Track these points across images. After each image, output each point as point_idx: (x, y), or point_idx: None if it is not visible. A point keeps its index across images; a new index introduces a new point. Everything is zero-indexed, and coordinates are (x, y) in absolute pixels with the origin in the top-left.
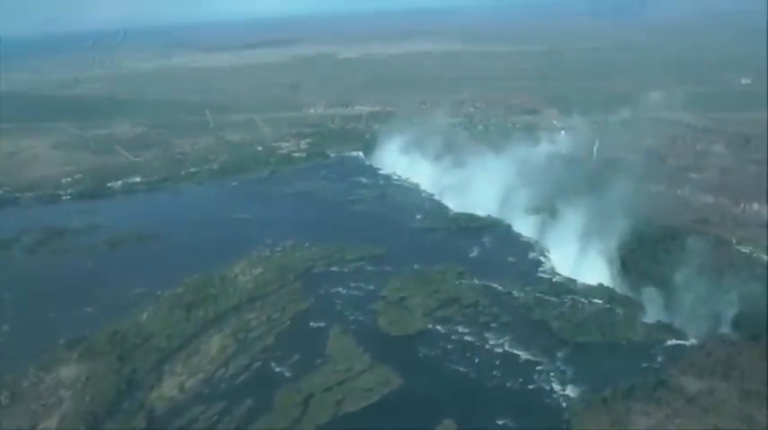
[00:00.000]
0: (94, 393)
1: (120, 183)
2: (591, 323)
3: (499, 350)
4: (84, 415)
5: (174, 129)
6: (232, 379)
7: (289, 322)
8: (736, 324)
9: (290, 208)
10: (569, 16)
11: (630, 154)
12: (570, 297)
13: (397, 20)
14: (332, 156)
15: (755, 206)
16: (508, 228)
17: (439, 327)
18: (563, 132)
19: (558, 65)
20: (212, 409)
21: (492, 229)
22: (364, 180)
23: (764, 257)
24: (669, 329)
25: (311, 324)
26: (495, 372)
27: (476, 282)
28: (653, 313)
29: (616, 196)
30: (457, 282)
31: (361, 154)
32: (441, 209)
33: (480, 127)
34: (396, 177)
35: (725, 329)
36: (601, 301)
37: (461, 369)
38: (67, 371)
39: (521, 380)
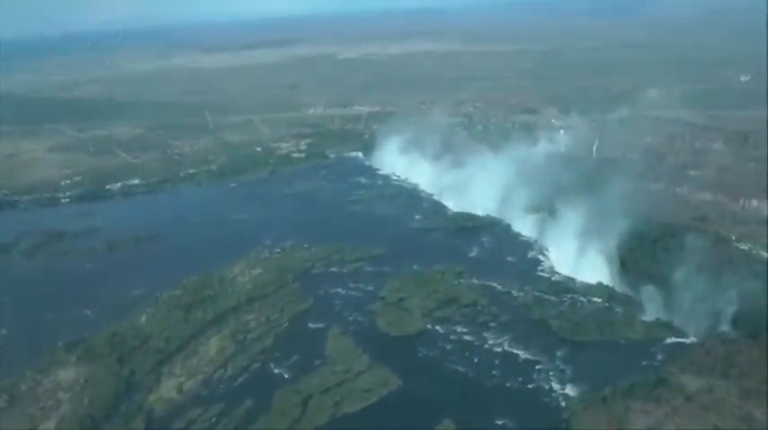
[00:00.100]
0: (93, 396)
1: (119, 184)
2: (590, 322)
3: (498, 349)
4: (83, 417)
5: (173, 131)
6: (231, 380)
7: (287, 323)
8: (735, 322)
9: (289, 208)
10: (569, 15)
11: (629, 152)
12: (569, 296)
13: (397, 20)
14: (331, 156)
15: (755, 203)
16: (507, 227)
17: (438, 328)
18: (562, 131)
19: (557, 64)
20: (211, 411)
21: (491, 229)
22: (363, 180)
23: (764, 254)
24: (668, 327)
25: (310, 325)
26: (494, 372)
27: (475, 281)
28: (652, 311)
29: (615, 194)
30: (456, 282)
31: (360, 154)
32: (440, 209)
33: (479, 126)
34: (395, 177)
35: (724, 327)
36: (600, 300)
37: (460, 369)
38: (66, 374)
39: (520, 379)
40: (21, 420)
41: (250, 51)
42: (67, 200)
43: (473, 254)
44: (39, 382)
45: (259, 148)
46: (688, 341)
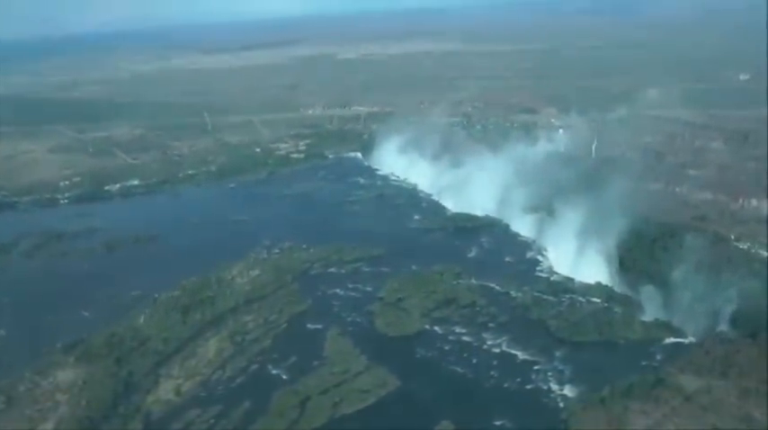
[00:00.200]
0: (91, 397)
1: (118, 185)
2: (589, 322)
3: (497, 350)
4: (81, 419)
5: (173, 132)
6: (229, 381)
7: (286, 324)
8: (734, 321)
9: (288, 209)
10: (569, 15)
11: (629, 152)
12: (568, 296)
13: (397, 20)
14: (330, 156)
15: (754, 202)
16: (506, 227)
17: (436, 328)
18: (561, 131)
19: (557, 63)
20: (209, 412)
21: (490, 229)
22: (362, 181)
23: (763, 253)
24: (667, 327)
25: (308, 326)
26: (492, 373)
27: (473, 282)
28: (651, 311)
29: (614, 194)
30: (454, 283)
31: (359, 154)
32: (439, 209)
33: (479, 126)
34: (394, 178)
35: (723, 327)
36: (599, 300)
37: (459, 369)
38: (64, 375)
39: (518, 380)
40: (19, 421)
41: (249, 52)
42: (67, 200)
43: (472, 254)
44: (37, 383)
45: (258, 149)
46: (687, 341)
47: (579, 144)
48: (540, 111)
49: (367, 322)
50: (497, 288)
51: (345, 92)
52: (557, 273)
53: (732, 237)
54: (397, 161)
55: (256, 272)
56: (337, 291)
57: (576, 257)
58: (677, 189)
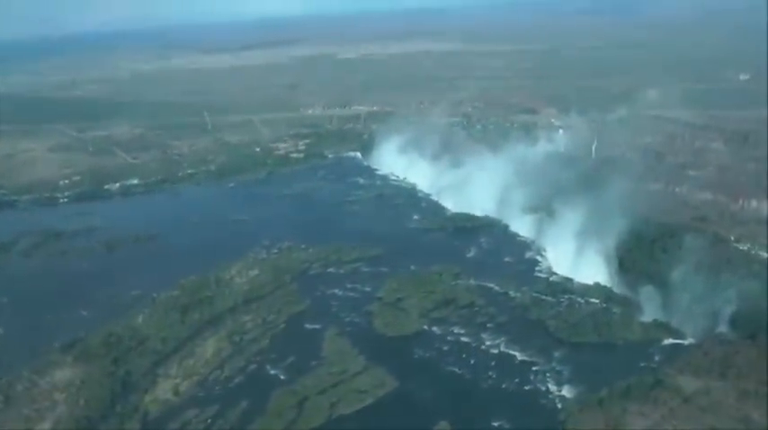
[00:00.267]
0: (89, 396)
1: (117, 184)
2: (587, 323)
3: (495, 351)
4: (79, 418)
5: (172, 131)
6: (227, 381)
7: (284, 324)
8: (733, 322)
9: (288, 209)
10: (569, 15)
11: (629, 152)
12: (567, 296)
13: (397, 20)
14: (329, 156)
15: (754, 203)
16: (505, 227)
17: (435, 328)
18: (561, 131)
19: (556, 63)
20: (207, 412)
21: (489, 229)
22: (362, 181)
23: (763, 254)
24: (666, 328)
25: (307, 326)
26: (490, 373)
27: (472, 282)
28: (650, 312)
29: (614, 195)
30: (453, 283)
31: (358, 154)
32: (438, 209)
33: (478, 126)
34: (393, 178)
35: (722, 328)
36: (598, 301)
37: (457, 370)
38: (62, 375)
39: (516, 380)
40: (16, 421)
41: (249, 52)
42: (66, 199)
43: (471, 254)
44: (35, 383)
45: (258, 149)
46: (686, 342)
47: (579, 144)
48: (540, 112)
49: (365, 322)
50: (496, 288)
51: (345, 91)
52: (556, 274)
53: (732, 237)
54: (397, 161)
55: (255, 271)
56: (336, 291)
57: (576, 258)
58: (677, 189)
